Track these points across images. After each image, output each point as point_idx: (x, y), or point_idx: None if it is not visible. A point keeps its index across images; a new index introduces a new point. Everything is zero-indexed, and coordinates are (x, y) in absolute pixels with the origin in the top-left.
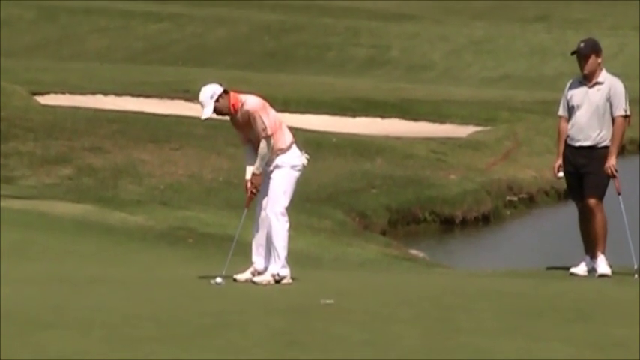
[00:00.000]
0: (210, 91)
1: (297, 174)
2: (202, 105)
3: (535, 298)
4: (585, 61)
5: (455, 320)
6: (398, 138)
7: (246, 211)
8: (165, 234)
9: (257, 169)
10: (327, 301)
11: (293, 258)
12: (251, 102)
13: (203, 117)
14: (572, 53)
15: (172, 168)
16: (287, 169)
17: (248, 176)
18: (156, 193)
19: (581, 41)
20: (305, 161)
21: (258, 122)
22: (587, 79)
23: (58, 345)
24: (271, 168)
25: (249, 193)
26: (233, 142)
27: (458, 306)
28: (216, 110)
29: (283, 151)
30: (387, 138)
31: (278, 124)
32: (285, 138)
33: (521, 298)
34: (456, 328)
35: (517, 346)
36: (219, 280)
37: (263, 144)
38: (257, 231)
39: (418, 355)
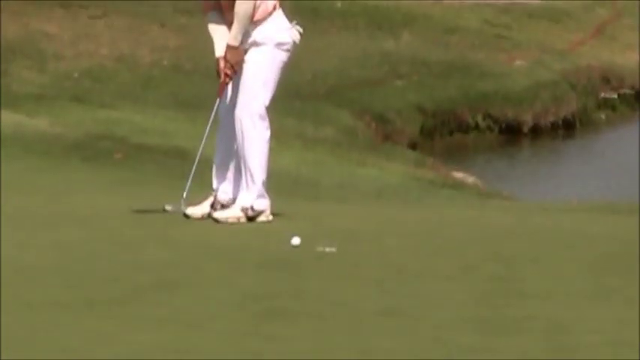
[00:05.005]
0: None
1: (283, 56)
2: None
3: (638, 246)
4: None
5: (519, 279)
6: (436, 1)
7: (218, 102)
8: (80, 145)
9: (234, 38)
10: (327, 249)
11: (274, 183)
12: None
13: None
14: None
15: (91, 46)
16: (269, 48)
17: (219, 52)
18: (67, 83)
19: None
20: (296, 37)
21: None
22: None
23: None
24: (247, 46)
25: (222, 76)
26: (184, 6)
27: (524, 257)
28: None
29: (264, 19)
30: (418, 1)
31: None
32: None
33: (619, 246)
34: (520, 291)
35: (612, 316)
36: (168, 207)
37: (242, 1)
38: (221, 143)
39: (463, 334)
